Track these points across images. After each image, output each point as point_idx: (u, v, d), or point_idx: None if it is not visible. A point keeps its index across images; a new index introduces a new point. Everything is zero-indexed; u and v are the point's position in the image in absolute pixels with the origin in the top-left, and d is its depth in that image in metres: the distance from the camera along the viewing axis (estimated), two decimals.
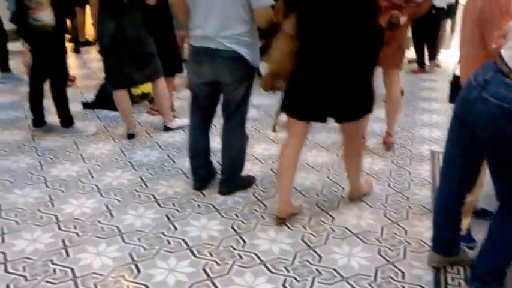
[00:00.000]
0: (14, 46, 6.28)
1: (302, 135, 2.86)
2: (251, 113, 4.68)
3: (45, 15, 3.69)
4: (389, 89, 3.85)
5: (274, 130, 2.89)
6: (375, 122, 4.31)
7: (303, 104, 2.67)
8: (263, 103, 5.03)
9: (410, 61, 6.78)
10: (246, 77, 2.93)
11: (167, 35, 4.27)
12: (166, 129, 4.26)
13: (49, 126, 4.22)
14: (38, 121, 4.19)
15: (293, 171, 2.86)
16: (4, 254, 2.53)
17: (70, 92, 4.35)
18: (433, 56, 6.68)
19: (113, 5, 3.65)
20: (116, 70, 3.88)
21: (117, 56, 3.80)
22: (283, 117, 2.86)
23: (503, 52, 1.92)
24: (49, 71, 3.99)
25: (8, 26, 5.85)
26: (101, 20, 3.77)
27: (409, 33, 7.19)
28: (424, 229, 2.79)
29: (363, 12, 2.47)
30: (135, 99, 4.74)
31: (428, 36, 6.49)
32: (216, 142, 3.37)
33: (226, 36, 2.76)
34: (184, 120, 4.28)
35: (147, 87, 4.73)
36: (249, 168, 3.53)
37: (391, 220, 2.91)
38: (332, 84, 2.54)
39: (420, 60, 6.64)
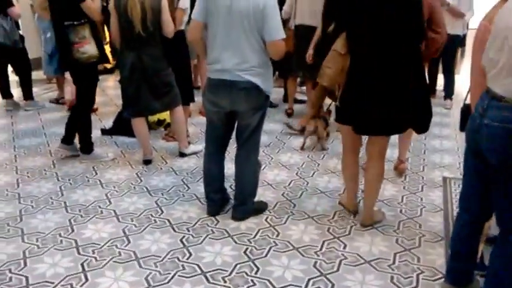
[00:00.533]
0: (37, 75, 6.55)
1: (357, 150, 3.18)
2: (262, 138, 4.80)
3: (90, 47, 3.91)
4: None
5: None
6: (388, 148, 4.35)
7: (364, 122, 2.86)
8: (275, 129, 5.14)
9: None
10: (261, 105, 3.04)
11: (183, 66, 4.42)
12: (182, 155, 4.37)
13: (74, 147, 4.35)
14: (68, 140, 4.31)
15: (357, 179, 3.26)
16: (26, 277, 2.63)
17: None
18: (449, 94, 6.35)
19: (132, 38, 3.80)
20: (134, 99, 4.03)
21: (136, 85, 3.95)
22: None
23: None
24: (82, 99, 4.17)
25: (32, 55, 6.13)
26: (121, 51, 3.95)
27: None
28: (436, 257, 2.82)
29: (409, 30, 2.69)
30: (151, 126, 4.89)
31: (445, 67, 6.30)
32: (230, 168, 3.46)
33: (242, 68, 2.89)
34: (198, 146, 4.40)
35: (163, 114, 4.87)
36: (262, 193, 3.61)
37: (403, 247, 2.94)
38: (382, 96, 2.75)
39: (432, 86, 6.48)
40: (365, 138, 3.15)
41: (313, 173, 4.07)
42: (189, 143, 4.49)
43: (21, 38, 5.64)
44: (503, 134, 1.98)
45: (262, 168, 4.11)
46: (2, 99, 5.98)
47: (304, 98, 6.03)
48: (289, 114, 5.70)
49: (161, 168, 4.16)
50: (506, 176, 2.04)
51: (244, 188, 3.25)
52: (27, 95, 5.98)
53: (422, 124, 2.98)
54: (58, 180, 3.93)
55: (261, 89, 2.96)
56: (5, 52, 5.54)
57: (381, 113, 2.80)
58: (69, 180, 3.92)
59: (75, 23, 3.85)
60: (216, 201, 3.34)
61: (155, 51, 3.87)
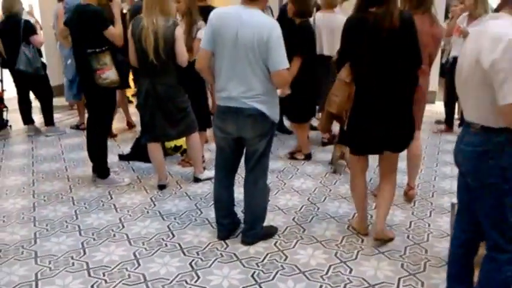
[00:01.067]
0: (59, 101, 6.77)
1: (365, 170, 3.33)
2: (276, 164, 4.91)
3: (111, 73, 4.09)
4: (410, 146, 3.94)
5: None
6: (397, 174, 4.36)
7: (364, 140, 3.07)
8: None
9: (437, 121, 6.52)
10: (267, 131, 3.12)
11: (199, 92, 4.54)
12: (196, 180, 4.45)
13: (111, 179, 4.47)
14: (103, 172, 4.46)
15: (365, 199, 3.40)
16: None
17: (108, 144, 4.61)
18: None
19: (147, 65, 3.95)
20: (150, 125, 4.15)
21: (150, 112, 4.07)
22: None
23: None
24: (99, 124, 4.32)
25: (55, 82, 6.36)
26: (138, 78, 4.09)
27: (435, 88, 7.32)
28: (440, 281, 2.81)
29: (405, 58, 2.91)
30: (168, 152, 5.00)
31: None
32: (240, 193, 3.52)
33: (248, 96, 2.98)
34: (213, 172, 4.46)
35: (179, 141, 4.98)
36: (272, 218, 3.66)
37: (408, 272, 2.95)
38: (386, 118, 2.96)
39: (449, 119, 6.22)
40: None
41: (325, 199, 4.11)
42: (204, 168, 4.57)
43: (43, 65, 5.86)
44: (473, 157, 2.18)
45: (274, 193, 4.18)
46: (24, 124, 6.19)
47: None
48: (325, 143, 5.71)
49: (175, 193, 4.24)
50: (483, 195, 2.19)
51: (253, 213, 3.31)
52: (48, 120, 6.18)
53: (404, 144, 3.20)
54: (74, 204, 4.04)
55: (267, 115, 3.04)
56: (27, 79, 5.77)
57: (379, 131, 2.99)
58: (84, 204, 4.03)
59: (97, 50, 4.02)
60: (225, 226, 3.40)
61: (169, 79, 3.99)
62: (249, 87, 2.97)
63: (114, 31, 4.07)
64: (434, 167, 4.88)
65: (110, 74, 4.07)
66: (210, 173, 4.47)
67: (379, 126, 2.98)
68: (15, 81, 5.93)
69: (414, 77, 3.04)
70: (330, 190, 4.30)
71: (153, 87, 3.97)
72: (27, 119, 6.14)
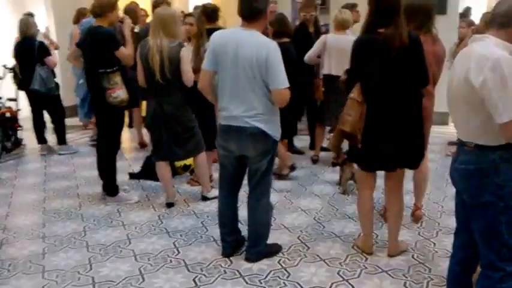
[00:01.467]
0: (73, 121, 6.91)
1: (373, 187, 3.39)
2: (285, 184, 4.93)
3: (122, 92, 4.20)
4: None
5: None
6: (405, 195, 4.35)
7: (375, 157, 3.13)
8: (298, 175, 5.22)
9: (450, 143, 6.12)
10: (268, 150, 3.16)
11: (207, 112, 4.61)
12: (204, 198, 4.49)
13: (120, 196, 4.55)
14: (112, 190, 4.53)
15: (372, 217, 3.43)
16: None
17: (119, 163, 4.71)
18: None
19: (153, 85, 4.04)
20: (157, 144, 4.23)
21: (158, 131, 4.15)
22: None
23: None
24: (108, 142, 4.41)
25: (69, 102, 6.52)
26: (146, 98, 4.18)
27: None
28: None
29: (413, 77, 3.00)
30: (177, 171, 5.07)
31: None
32: (245, 210, 3.54)
33: (249, 115, 3.04)
34: None
35: (188, 160, 5.03)
36: (277, 236, 3.67)
37: None
38: (397, 135, 3.02)
39: None
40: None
41: (331, 218, 4.11)
42: (212, 187, 4.60)
43: (57, 85, 6.03)
44: (468, 175, 2.22)
45: (281, 212, 4.20)
46: (38, 144, 6.31)
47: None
48: (315, 161, 5.75)
49: (182, 211, 4.29)
50: (479, 213, 2.23)
51: (257, 230, 3.33)
52: (61, 139, 6.31)
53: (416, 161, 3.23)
54: (83, 221, 4.11)
55: (268, 134, 3.08)
56: (41, 99, 5.93)
57: (389, 149, 3.04)
58: (93, 221, 4.10)
59: (108, 70, 4.13)
60: (230, 243, 3.42)
61: (175, 99, 4.07)
62: (250, 106, 3.03)
63: (125, 51, 4.20)
64: (443, 188, 4.85)
65: (120, 93, 4.17)
66: (218, 192, 4.50)
67: (389, 143, 3.03)
68: (30, 101, 6.10)
69: (421, 95, 3.12)
70: (337, 210, 4.30)
71: (160, 106, 4.05)
72: (41, 138, 6.28)
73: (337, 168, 5.22)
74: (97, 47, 4.17)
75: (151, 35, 3.97)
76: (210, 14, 4.99)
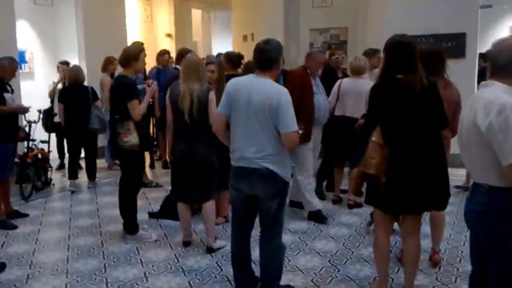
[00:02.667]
0: (99, 163, 7.18)
1: (390, 230, 3.44)
2: (300, 225, 4.98)
3: (133, 138, 4.39)
4: None
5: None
6: (423, 239, 4.32)
7: (398, 200, 3.13)
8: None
9: (457, 187, 5.89)
10: (279, 190, 3.25)
11: (227, 152, 4.73)
12: (209, 250, 4.34)
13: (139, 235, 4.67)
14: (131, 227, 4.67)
15: (388, 261, 3.42)
16: None
17: (139, 202, 4.86)
18: None
19: (182, 126, 4.20)
20: (180, 185, 4.37)
21: (182, 172, 4.29)
22: None
23: None
24: (128, 183, 4.59)
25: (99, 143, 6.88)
26: (174, 138, 4.35)
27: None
28: None
29: (432, 119, 3.08)
30: (195, 210, 5.17)
31: None
32: (258, 251, 3.60)
33: (260, 156, 3.16)
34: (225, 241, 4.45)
35: None
36: (291, 278, 3.71)
37: None
38: (419, 177, 3.04)
39: None
40: None
41: (346, 261, 4.12)
42: (216, 238, 4.48)
43: None
44: (483, 217, 2.25)
45: (296, 253, 4.24)
46: (69, 179, 6.62)
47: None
48: (335, 201, 5.77)
49: (198, 250, 4.37)
50: (494, 255, 2.25)
51: (268, 271, 3.38)
52: (92, 176, 6.73)
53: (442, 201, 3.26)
54: (104, 258, 4.25)
55: (278, 175, 3.18)
56: (84, 137, 6.47)
57: (411, 191, 3.06)
58: (113, 258, 4.23)
59: (122, 117, 4.38)
60: (242, 282, 3.48)
61: (202, 139, 4.20)
62: (261, 148, 3.15)
63: (135, 107, 4.38)
64: (463, 233, 4.78)
65: (131, 138, 4.37)
66: (222, 242, 4.47)
67: (411, 185, 3.06)
68: (70, 140, 6.61)
69: (441, 137, 3.19)
70: (353, 252, 4.31)
71: (188, 146, 4.19)
72: (74, 174, 6.61)
73: (354, 210, 5.25)
74: (116, 95, 4.46)
75: (183, 79, 4.18)
76: (233, 60, 5.23)
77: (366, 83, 4.96)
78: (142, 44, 4.75)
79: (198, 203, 4.67)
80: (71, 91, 6.47)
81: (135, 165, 4.59)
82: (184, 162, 4.26)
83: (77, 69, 6.64)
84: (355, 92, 5.19)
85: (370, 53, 5.99)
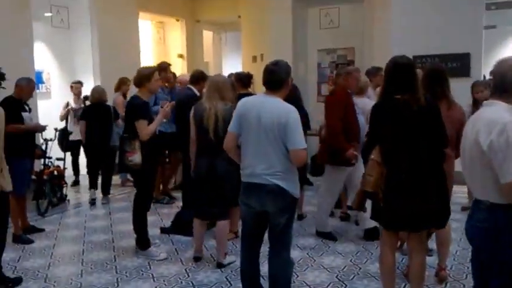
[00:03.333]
0: (114, 179, 7.36)
1: (395, 246, 3.50)
2: (308, 241, 5.07)
3: (137, 157, 4.52)
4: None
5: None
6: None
7: (397, 217, 3.22)
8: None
9: (463, 208, 5.89)
10: (287, 206, 3.35)
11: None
12: (219, 265, 4.45)
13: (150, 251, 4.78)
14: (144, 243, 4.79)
15: (394, 276, 3.48)
16: None
17: (151, 218, 4.99)
18: None
19: (206, 144, 4.33)
20: (199, 201, 4.49)
21: (203, 189, 4.41)
22: None
23: None
24: (139, 199, 4.72)
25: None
26: (197, 157, 4.48)
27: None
28: None
29: (431, 138, 3.15)
30: (207, 226, 5.30)
31: None
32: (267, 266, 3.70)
33: (269, 173, 3.27)
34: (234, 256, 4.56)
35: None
36: None
37: None
38: (417, 195, 3.12)
39: None
40: None
41: (353, 277, 4.20)
42: (226, 254, 4.58)
43: None
44: (484, 233, 2.29)
45: (303, 269, 4.33)
46: (89, 188, 6.93)
47: None
48: (343, 218, 5.87)
49: (209, 265, 4.49)
50: (494, 271, 2.27)
51: (277, 286, 3.45)
52: (107, 190, 6.97)
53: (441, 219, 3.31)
54: (116, 272, 4.37)
55: (287, 191, 3.29)
56: (104, 153, 6.77)
57: (409, 209, 3.14)
58: (125, 273, 4.35)
59: (130, 136, 4.55)
60: None
61: (225, 156, 4.16)
62: (270, 165, 3.27)
63: (143, 127, 4.50)
64: (470, 249, 4.79)
65: (135, 158, 4.52)
66: (232, 257, 4.57)
67: (409, 202, 3.14)
68: (90, 156, 6.88)
69: (442, 156, 3.25)
70: (360, 268, 4.39)
71: (212, 163, 4.31)
72: (95, 183, 6.93)
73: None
74: (127, 114, 4.68)
75: (207, 99, 4.35)
76: (244, 80, 5.41)
77: (366, 102, 5.10)
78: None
79: (214, 220, 4.71)
80: (94, 109, 6.77)
81: (143, 183, 4.72)
82: (206, 179, 4.37)
83: (101, 90, 6.94)
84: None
85: (373, 72, 6.12)
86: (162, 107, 4.94)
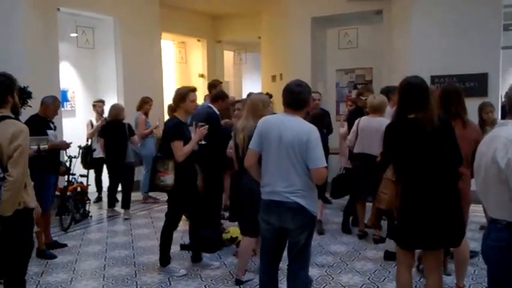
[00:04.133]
0: (135, 195, 7.50)
1: (411, 264, 3.50)
2: (326, 259, 5.09)
3: (169, 178, 4.59)
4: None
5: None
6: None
7: (411, 235, 3.24)
8: (340, 250, 5.36)
9: (482, 227, 5.82)
10: (307, 224, 3.40)
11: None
12: (238, 282, 4.50)
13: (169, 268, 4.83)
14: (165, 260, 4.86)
15: None
16: None
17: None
18: None
19: (239, 160, 4.43)
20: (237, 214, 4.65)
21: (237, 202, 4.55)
22: None
23: None
24: (167, 217, 4.82)
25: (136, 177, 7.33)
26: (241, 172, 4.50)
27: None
28: None
29: (445, 157, 3.17)
30: (224, 243, 5.37)
31: None
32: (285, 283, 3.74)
33: (289, 191, 3.33)
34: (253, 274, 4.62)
35: (236, 232, 5.35)
36: None
37: None
38: (431, 214, 3.13)
39: None
40: None
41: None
42: (247, 271, 4.61)
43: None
44: (500, 252, 2.31)
45: (322, 287, 4.35)
46: (109, 207, 7.12)
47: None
48: (361, 236, 5.88)
49: (227, 282, 4.54)
50: None
51: None
52: (127, 204, 7.13)
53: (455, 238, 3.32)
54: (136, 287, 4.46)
55: (306, 209, 3.34)
56: (123, 169, 7.01)
57: (423, 227, 3.17)
58: None
59: (164, 156, 4.63)
60: None
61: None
62: (290, 183, 3.33)
63: (178, 148, 4.54)
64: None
65: (166, 178, 4.58)
66: (251, 275, 4.60)
67: (423, 221, 3.17)
68: (109, 172, 7.12)
69: (456, 174, 3.29)
70: (378, 287, 4.39)
71: (239, 178, 4.43)
72: (113, 202, 7.15)
73: (380, 245, 5.33)
74: (163, 134, 4.82)
75: (244, 117, 4.48)
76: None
77: (382, 121, 5.16)
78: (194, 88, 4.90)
79: (241, 233, 4.74)
80: (111, 127, 7.02)
81: (174, 203, 4.78)
82: (237, 193, 4.53)
83: (119, 108, 7.17)
84: (371, 130, 5.36)
85: (390, 91, 6.16)
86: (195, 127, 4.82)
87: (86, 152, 7.10)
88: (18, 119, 3.27)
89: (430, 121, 3.17)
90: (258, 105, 4.41)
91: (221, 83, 7.09)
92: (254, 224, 4.45)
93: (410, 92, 3.27)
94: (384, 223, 5.00)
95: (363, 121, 5.59)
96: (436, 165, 3.16)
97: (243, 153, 4.30)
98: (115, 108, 7.13)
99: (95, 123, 7.91)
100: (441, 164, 3.17)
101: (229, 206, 5.20)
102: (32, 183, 3.36)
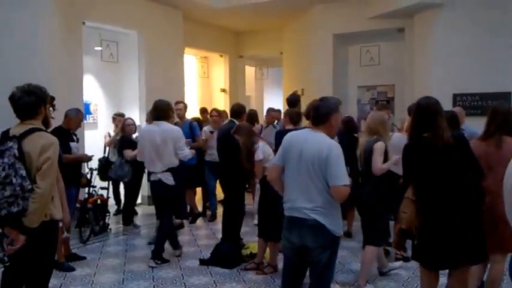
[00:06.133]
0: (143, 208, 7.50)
1: (433, 285, 3.48)
2: (347, 277, 4.99)
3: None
4: (491, 267, 3.91)
5: None
6: None
7: (433, 255, 3.29)
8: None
9: None
10: (329, 243, 3.29)
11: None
12: None
13: None
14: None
15: None
16: None
17: (191, 249, 5.04)
18: None
19: None
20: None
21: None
22: None
23: None
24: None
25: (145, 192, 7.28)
26: None
27: None
28: None
29: (464, 173, 3.26)
30: (243, 258, 5.31)
31: None
32: None
33: (309, 208, 3.25)
34: None
35: (255, 248, 5.29)
36: None
37: None
38: (452, 232, 3.19)
39: None
40: None
41: None
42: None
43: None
44: None
45: None
46: (126, 225, 7.01)
47: None
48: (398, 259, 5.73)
49: None
50: None
51: None
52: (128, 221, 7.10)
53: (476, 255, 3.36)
54: (153, 281, 4.70)
55: (326, 227, 3.23)
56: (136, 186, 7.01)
57: (440, 245, 3.20)
58: (161, 282, 4.40)
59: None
60: None
61: None
62: (310, 199, 3.25)
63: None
64: (503, 284, 4.65)
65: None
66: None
67: (443, 239, 3.17)
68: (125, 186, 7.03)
69: (479, 191, 3.30)
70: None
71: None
72: (130, 220, 7.07)
73: (401, 263, 5.21)
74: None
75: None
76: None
77: (399, 138, 5.07)
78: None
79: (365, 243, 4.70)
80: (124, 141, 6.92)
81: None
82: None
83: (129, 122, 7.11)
84: (395, 147, 5.23)
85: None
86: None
87: (103, 165, 7.04)
88: (47, 131, 3.30)
89: (440, 139, 3.26)
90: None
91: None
92: (379, 233, 4.57)
93: (421, 113, 3.42)
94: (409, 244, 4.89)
95: (392, 137, 5.42)
96: (453, 182, 3.21)
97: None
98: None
99: (112, 135, 7.95)
100: (458, 179, 3.20)
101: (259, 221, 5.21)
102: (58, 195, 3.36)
